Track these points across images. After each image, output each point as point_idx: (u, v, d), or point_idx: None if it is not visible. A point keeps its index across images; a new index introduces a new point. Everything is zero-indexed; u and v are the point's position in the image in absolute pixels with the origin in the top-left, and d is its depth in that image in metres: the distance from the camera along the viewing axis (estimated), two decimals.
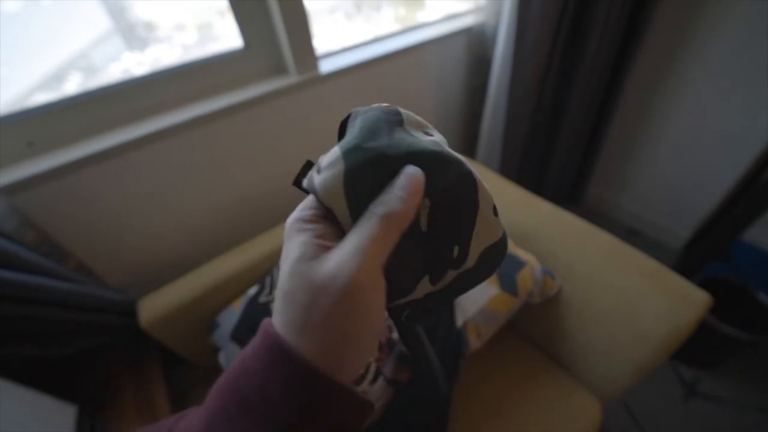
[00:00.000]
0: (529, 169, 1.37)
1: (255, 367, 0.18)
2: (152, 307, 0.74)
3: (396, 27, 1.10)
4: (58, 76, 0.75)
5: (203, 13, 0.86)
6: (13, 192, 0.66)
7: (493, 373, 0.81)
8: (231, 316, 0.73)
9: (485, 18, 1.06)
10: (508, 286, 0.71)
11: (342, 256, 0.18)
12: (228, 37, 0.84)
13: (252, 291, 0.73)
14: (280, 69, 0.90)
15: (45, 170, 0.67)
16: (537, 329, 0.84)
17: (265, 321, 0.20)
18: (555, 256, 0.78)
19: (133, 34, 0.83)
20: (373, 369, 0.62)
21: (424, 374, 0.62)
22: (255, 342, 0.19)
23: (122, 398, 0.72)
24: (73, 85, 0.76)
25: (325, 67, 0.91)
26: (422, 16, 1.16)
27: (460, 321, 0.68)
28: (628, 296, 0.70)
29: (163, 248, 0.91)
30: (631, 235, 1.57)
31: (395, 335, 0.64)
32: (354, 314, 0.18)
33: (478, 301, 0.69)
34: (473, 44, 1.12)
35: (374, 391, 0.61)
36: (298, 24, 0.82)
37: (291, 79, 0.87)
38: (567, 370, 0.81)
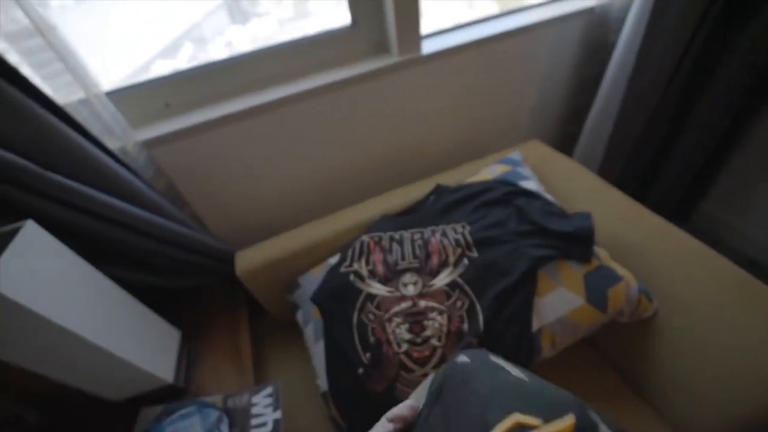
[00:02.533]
0: (634, 174, 1.22)
1: None
2: (248, 259, 0.83)
3: (495, 6, 1.02)
4: (175, 46, 0.83)
5: None
6: (152, 145, 0.78)
7: (561, 385, 0.76)
8: (312, 279, 0.79)
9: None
10: (597, 300, 0.65)
11: None
12: (320, 13, 0.85)
13: (333, 260, 0.78)
14: (383, 48, 0.91)
15: (177, 129, 0.78)
16: (618, 349, 0.77)
17: None
18: (657, 275, 0.70)
19: (239, 9, 0.89)
20: (439, 354, 0.63)
21: None
22: None
23: (214, 334, 0.83)
24: (185, 55, 0.85)
25: (427, 48, 0.89)
26: None
27: (536, 325, 0.65)
28: (743, 337, 0.60)
29: (264, 209, 1.00)
30: (751, 266, 1.33)
31: (466, 326, 0.64)
32: None
33: (559, 309, 0.65)
34: (592, 27, 1.01)
35: None
36: (409, 2, 0.80)
37: (393, 59, 0.88)
38: (646, 401, 0.74)
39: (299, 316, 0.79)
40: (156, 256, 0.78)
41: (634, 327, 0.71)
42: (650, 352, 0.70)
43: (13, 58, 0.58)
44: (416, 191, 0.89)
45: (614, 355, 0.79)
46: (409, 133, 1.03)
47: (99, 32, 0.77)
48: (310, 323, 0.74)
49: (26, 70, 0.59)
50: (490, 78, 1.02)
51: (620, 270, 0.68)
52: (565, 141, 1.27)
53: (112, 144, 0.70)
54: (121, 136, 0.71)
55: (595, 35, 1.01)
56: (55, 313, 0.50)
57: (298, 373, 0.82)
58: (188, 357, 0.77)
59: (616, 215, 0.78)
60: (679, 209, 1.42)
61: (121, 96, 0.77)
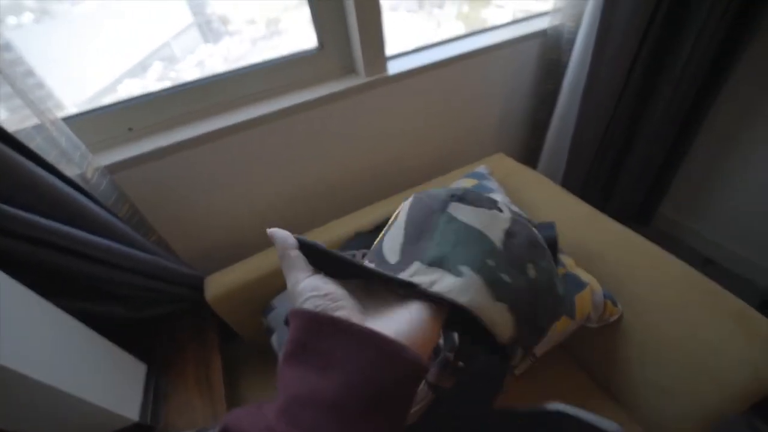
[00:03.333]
0: (595, 183, 1.29)
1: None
2: (217, 284, 0.81)
3: (459, 25, 1.08)
4: (143, 65, 0.82)
5: (272, 8, 0.89)
6: (114, 170, 0.75)
7: (536, 391, 0.78)
8: (287, 301, 0.78)
9: (562, 20, 1.00)
10: (566, 307, 0.67)
11: None
12: (291, 31, 0.87)
13: None
14: (350, 69, 0.93)
15: (140, 153, 0.76)
16: (589, 353, 0.80)
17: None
18: (619, 280, 0.73)
19: (209, 28, 0.89)
20: None
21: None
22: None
23: (184, 365, 0.79)
24: (155, 73, 0.84)
25: (393, 68, 0.92)
26: (487, 14, 1.13)
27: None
28: (703, 335, 0.63)
29: (236, 229, 0.98)
30: (706, 264, 1.42)
31: (441, 341, 0.64)
32: None
33: None
34: (547, 48, 1.07)
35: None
36: (372, 26, 0.83)
37: (360, 79, 0.90)
38: (617, 401, 0.76)
39: (273, 339, 0.77)
40: (118, 286, 0.75)
41: (602, 331, 0.74)
42: (618, 353, 0.72)
43: None
44: (389, 207, 0.91)
45: (584, 357, 0.81)
46: (380, 151, 1.05)
47: (63, 52, 0.74)
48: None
49: None
50: (456, 96, 1.06)
51: (585, 276, 0.71)
52: (529, 155, 1.32)
53: (70, 170, 0.67)
54: (80, 162, 0.68)
55: (550, 55, 1.08)
56: None
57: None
58: (156, 391, 0.73)
59: (578, 223, 0.81)
60: (640, 215, 1.50)
61: (81, 120, 0.74)
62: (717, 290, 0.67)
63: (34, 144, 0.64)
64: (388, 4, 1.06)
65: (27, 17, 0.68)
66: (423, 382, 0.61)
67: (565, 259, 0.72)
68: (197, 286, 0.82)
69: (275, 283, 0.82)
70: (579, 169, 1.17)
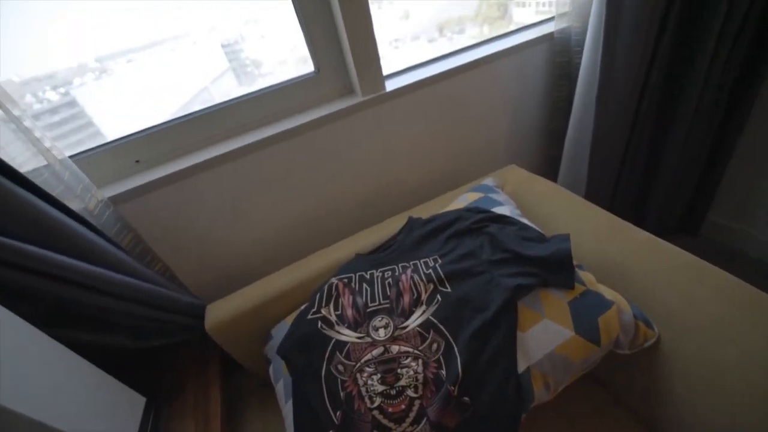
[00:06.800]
0: (626, 193, 1.18)
1: None
2: (217, 312, 0.79)
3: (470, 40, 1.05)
4: (186, 109, 0.87)
5: (303, 47, 0.89)
6: (119, 201, 0.77)
7: (562, 430, 0.67)
8: (284, 330, 0.74)
9: (569, 23, 0.95)
10: (587, 330, 0.59)
11: None
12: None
13: (303, 306, 0.73)
14: (349, 90, 0.93)
15: (144, 183, 0.78)
16: (626, 386, 0.69)
17: None
18: (653, 296, 0.64)
19: (244, 72, 0.94)
20: (416, 407, 0.56)
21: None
22: None
23: (185, 397, 0.77)
24: None
25: (392, 85, 0.91)
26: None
27: (522, 365, 0.58)
28: (762, 356, 0.52)
29: (240, 256, 0.98)
30: None
31: (443, 372, 0.57)
32: None
33: (546, 344, 0.58)
34: (556, 52, 1.02)
35: None
36: (365, 46, 0.83)
37: (357, 98, 0.89)
38: None
39: (271, 371, 0.73)
40: (121, 316, 0.75)
41: (638, 358, 0.63)
42: (659, 384, 0.62)
43: None
44: (392, 227, 0.86)
45: (620, 390, 0.70)
46: (385, 169, 1.02)
47: (115, 103, 0.83)
48: (281, 380, 0.68)
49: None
50: (460, 109, 1.02)
51: (609, 294, 0.62)
52: (549, 166, 1.24)
53: (75, 204, 0.70)
54: (82, 194, 0.70)
55: (560, 60, 1.02)
56: None
57: None
58: (154, 426, 0.71)
59: (598, 234, 0.73)
60: (685, 224, 1.35)
61: (90, 155, 0.78)
62: None
63: (41, 180, 0.67)
64: (409, 33, 1.07)
65: (89, 77, 0.80)
66: (426, 421, 0.54)
67: (584, 276, 0.64)
68: (199, 315, 0.81)
69: (275, 311, 0.79)
70: (604, 178, 1.08)
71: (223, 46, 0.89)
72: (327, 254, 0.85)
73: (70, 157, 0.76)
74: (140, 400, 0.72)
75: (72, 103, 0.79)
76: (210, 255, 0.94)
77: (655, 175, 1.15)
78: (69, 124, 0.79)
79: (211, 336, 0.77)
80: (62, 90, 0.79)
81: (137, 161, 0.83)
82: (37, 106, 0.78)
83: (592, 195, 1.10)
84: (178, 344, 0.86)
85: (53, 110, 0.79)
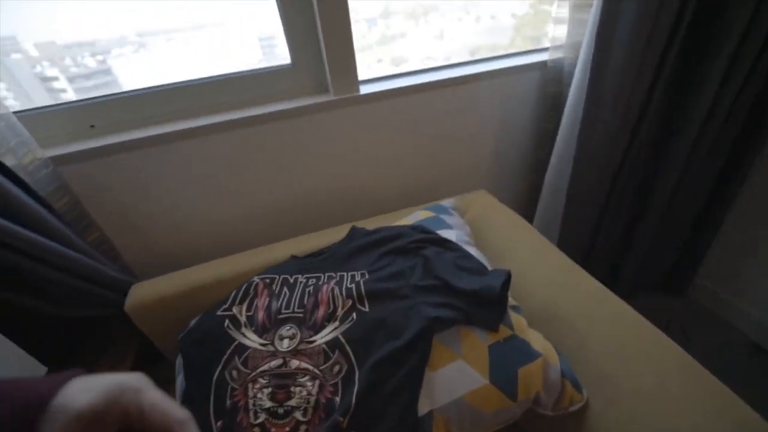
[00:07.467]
0: (606, 239, 1.11)
1: None
2: (141, 293, 0.76)
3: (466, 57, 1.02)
4: None
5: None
6: (62, 162, 0.75)
7: None
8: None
9: (564, 54, 0.91)
10: (503, 381, 0.53)
11: None
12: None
13: (219, 301, 0.69)
14: (324, 88, 0.90)
15: (92, 147, 0.76)
16: None
17: None
18: (585, 355, 0.57)
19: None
20: None
21: None
22: None
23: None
24: None
25: (368, 90, 0.87)
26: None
27: (424, 407, 0.52)
28: None
29: (187, 242, 0.94)
30: (754, 353, 1.14)
31: (338, 398, 0.52)
32: None
33: (455, 388, 0.53)
34: (547, 82, 0.97)
35: None
36: (340, 44, 0.80)
37: (328, 97, 0.86)
38: None
39: (177, 363, 0.69)
40: (43, 281, 0.72)
41: (562, 420, 0.57)
42: None
43: None
44: (342, 233, 0.82)
45: None
46: (351, 173, 0.98)
47: (145, 76, 0.83)
48: (181, 374, 0.64)
49: None
50: (439, 124, 0.98)
51: (539, 344, 0.56)
52: (531, 197, 1.18)
53: (7, 158, 0.67)
54: (16, 149, 0.68)
55: (551, 90, 0.98)
56: None
57: None
58: None
59: (550, 276, 0.67)
60: (671, 282, 1.27)
61: (41, 112, 0.76)
62: (712, 383, 0.49)
63: None
64: (442, 53, 1.05)
65: (128, 48, 0.84)
66: None
67: (516, 319, 0.58)
68: (125, 293, 0.78)
69: (202, 301, 0.75)
70: (581, 219, 1.01)
71: (260, 39, 0.90)
72: (271, 251, 0.81)
73: (18, 111, 0.75)
74: (41, 370, 0.69)
75: (107, 71, 0.82)
76: (157, 233, 0.91)
77: (639, 226, 1.08)
78: (101, 90, 0.81)
79: (129, 315, 0.74)
80: (100, 57, 0.82)
81: (92, 126, 0.81)
82: (73, 69, 0.80)
83: (566, 232, 1.03)
84: (107, 321, 0.83)
85: (88, 76, 0.82)
